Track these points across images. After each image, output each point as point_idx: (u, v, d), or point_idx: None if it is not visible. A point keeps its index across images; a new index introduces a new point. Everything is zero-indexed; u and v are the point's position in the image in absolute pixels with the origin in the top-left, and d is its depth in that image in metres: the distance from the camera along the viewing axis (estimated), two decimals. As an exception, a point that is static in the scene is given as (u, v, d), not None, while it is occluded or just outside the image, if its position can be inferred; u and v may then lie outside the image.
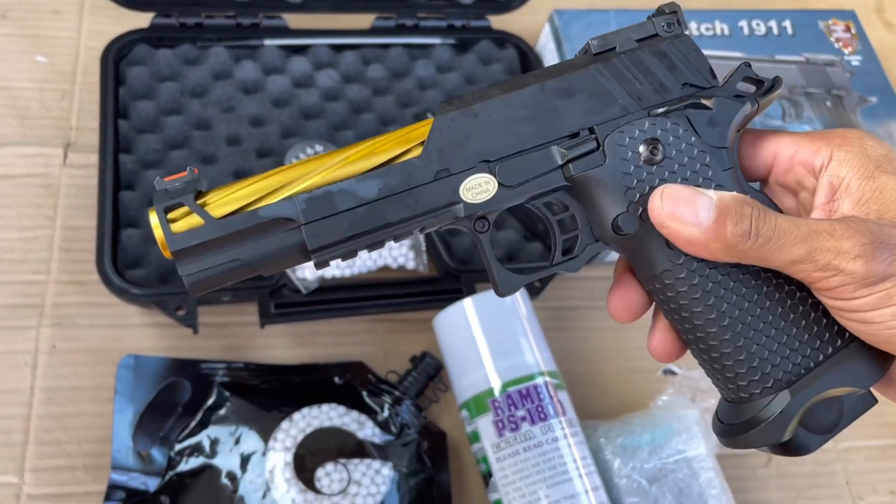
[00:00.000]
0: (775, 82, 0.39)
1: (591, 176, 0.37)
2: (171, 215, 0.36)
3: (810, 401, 0.36)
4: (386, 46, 0.83)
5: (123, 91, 0.75)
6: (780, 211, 0.39)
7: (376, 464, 0.62)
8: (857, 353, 0.37)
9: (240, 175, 0.73)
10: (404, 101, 0.81)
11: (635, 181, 0.37)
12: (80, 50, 0.80)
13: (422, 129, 0.38)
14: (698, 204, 0.35)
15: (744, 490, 0.69)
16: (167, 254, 0.36)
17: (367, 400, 0.65)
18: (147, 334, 0.67)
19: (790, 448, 0.37)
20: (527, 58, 0.85)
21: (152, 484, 0.60)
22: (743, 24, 0.87)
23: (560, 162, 0.38)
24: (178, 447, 0.62)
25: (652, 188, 0.37)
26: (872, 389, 0.38)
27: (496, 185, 0.37)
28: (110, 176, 0.68)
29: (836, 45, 0.89)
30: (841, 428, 0.37)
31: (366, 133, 0.78)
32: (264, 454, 0.61)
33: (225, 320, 0.68)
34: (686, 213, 0.35)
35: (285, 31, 0.81)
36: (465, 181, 0.37)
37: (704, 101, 0.38)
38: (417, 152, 0.37)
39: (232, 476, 0.61)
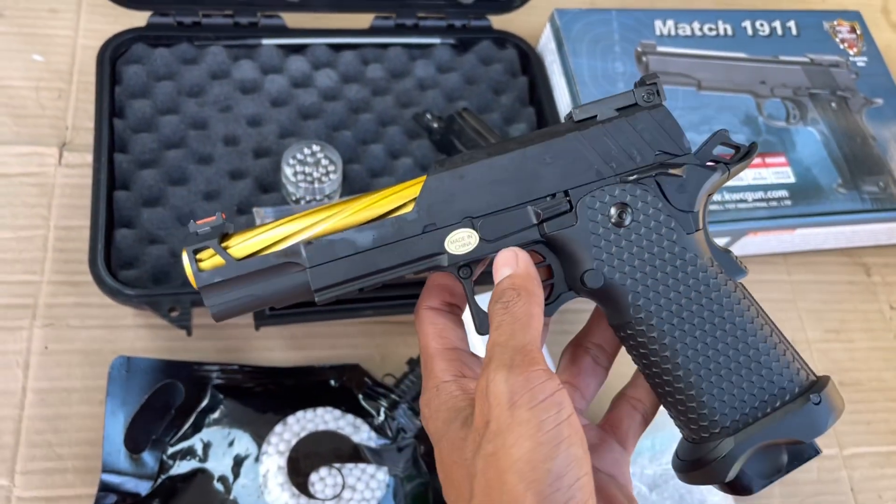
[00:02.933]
0: (750, 149, 0.42)
1: (563, 234, 0.41)
2: (199, 256, 0.41)
3: (752, 448, 0.39)
4: (385, 46, 0.82)
5: (119, 90, 0.74)
6: None
7: (371, 468, 0.61)
8: (804, 406, 0.39)
9: (236, 175, 0.73)
10: (403, 101, 0.80)
11: (603, 241, 0.41)
12: (77, 49, 0.79)
13: (414, 187, 0.42)
14: None
15: (746, 498, 0.68)
16: (196, 287, 0.41)
17: (363, 403, 0.65)
18: (140, 335, 0.66)
19: (735, 488, 0.40)
20: (527, 58, 0.84)
21: (144, 488, 0.59)
22: (746, 24, 0.86)
23: (535, 221, 0.41)
24: (170, 450, 0.61)
25: (619, 248, 0.40)
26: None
27: (477, 238, 0.41)
28: (105, 175, 0.67)
29: (842, 46, 0.88)
30: (784, 474, 0.40)
31: (364, 133, 0.77)
32: (258, 458, 0.61)
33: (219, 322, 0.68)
34: None
35: (283, 31, 0.80)
36: (450, 235, 0.41)
37: (673, 171, 0.41)
38: (409, 208, 0.41)
39: (224, 480, 0.60)
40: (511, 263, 0.40)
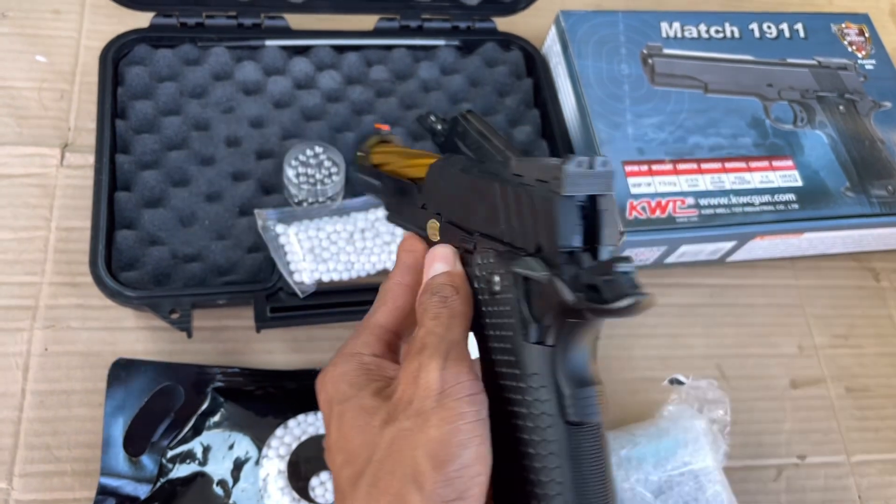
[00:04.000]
0: (625, 307, 0.30)
1: (467, 271, 0.42)
2: (359, 152, 0.58)
3: None
4: (389, 48, 0.82)
5: (122, 91, 0.74)
6: None
7: (372, 473, 0.60)
8: None
9: (238, 177, 0.72)
10: (407, 102, 0.80)
11: (476, 297, 0.40)
12: (80, 50, 0.79)
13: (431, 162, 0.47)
14: None
15: (752, 504, 0.67)
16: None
17: (365, 407, 0.64)
18: (141, 338, 0.66)
19: None
20: (532, 60, 0.83)
21: (143, 491, 0.59)
22: (753, 26, 0.85)
23: (467, 246, 0.42)
24: (169, 454, 0.60)
25: (479, 312, 0.39)
26: None
27: (438, 235, 0.45)
28: (106, 176, 0.67)
29: (850, 49, 0.87)
30: None
31: (368, 134, 0.77)
32: (258, 462, 0.60)
33: (220, 324, 0.67)
34: None
35: (287, 32, 0.80)
36: (431, 220, 0.45)
37: (523, 270, 0.35)
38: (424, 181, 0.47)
39: (224, 484, 0.59)
40: (450, 261, 0.42)
